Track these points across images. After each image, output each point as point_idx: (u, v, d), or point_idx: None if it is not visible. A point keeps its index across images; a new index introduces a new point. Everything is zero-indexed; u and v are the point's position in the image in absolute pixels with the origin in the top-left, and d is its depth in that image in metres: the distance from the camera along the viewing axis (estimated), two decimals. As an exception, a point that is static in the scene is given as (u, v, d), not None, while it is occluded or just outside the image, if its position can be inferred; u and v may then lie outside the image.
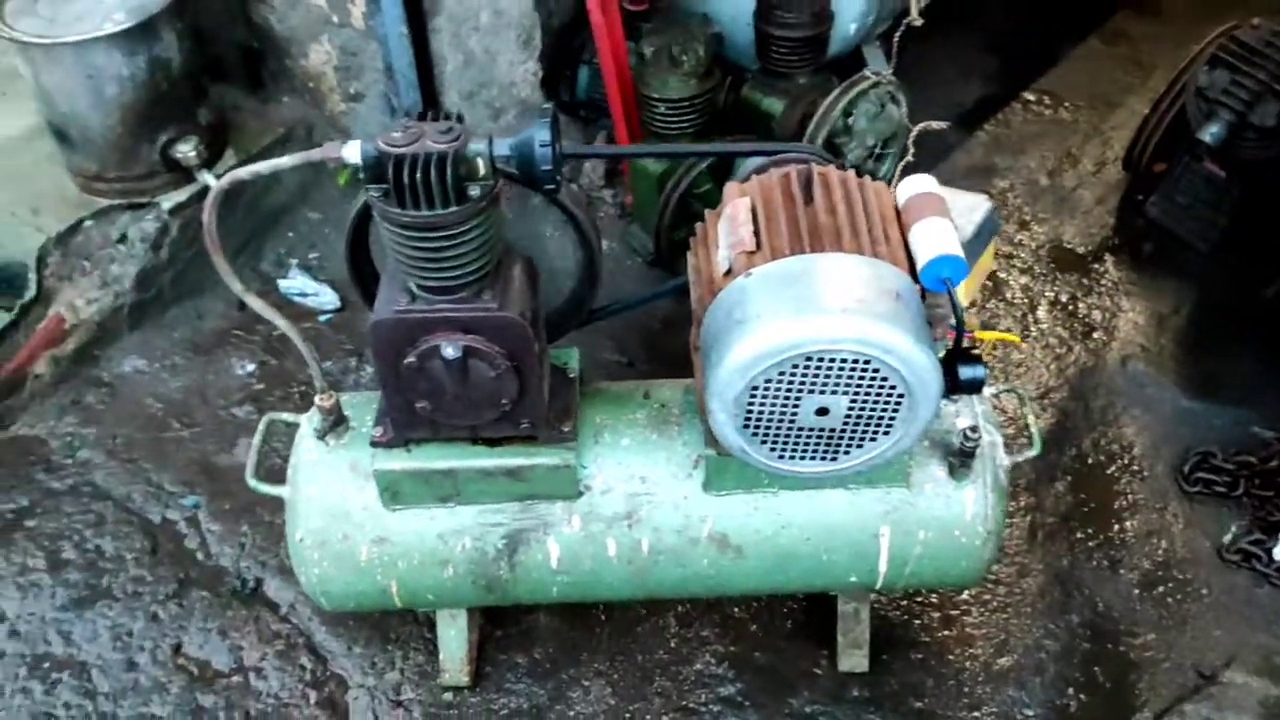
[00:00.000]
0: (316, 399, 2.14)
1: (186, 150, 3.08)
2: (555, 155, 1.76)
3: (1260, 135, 3.05)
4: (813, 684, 2.50)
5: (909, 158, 3.35)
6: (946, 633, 2.59)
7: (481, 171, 1.76)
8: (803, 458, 1.88)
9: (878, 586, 2.31)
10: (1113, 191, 3.79)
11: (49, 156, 3.22)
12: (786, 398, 1.76)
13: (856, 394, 1.76)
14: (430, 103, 3.27)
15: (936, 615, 2.62)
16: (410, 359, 1.91)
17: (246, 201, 3.38)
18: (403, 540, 2.17)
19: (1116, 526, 2.80)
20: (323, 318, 3.33)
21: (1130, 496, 2.86)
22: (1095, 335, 3.29)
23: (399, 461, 2.09)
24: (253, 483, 2.18)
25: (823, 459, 1.88)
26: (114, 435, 2.94)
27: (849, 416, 1.80)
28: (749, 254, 1.81)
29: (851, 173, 1.97)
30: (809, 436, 1.84)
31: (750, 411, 1.78)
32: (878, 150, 3.46)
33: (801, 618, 2.60)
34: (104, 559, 2.66)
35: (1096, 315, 3.35)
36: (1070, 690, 2.50)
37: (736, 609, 2.62)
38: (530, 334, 1.92)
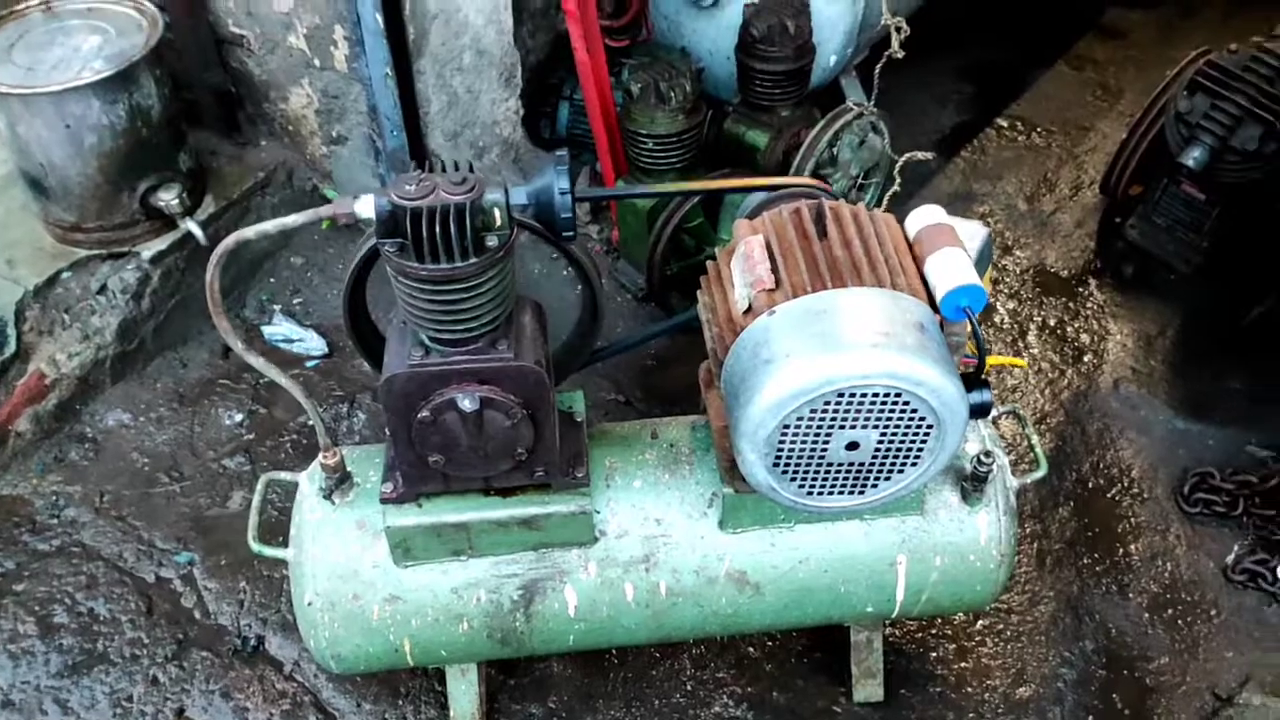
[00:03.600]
0: (321, 457, 2.08)
1: (169, 198, 3.02)
2: (574, 202, 1.73)
3: (1242, 159, 3.09)
4: (832, 723, 2.47)
5: (896, 188, 3.36)
6: (963, 664, 2.57)
7: (498, 221, 1.72)
8: (831, 493, 1.85)
9: (894, 615, 2.29)
10: (1091, 215, 3.83)
11: (22, 207, 3.14)
12: (817, 434, 1.74)
13: (887, 427, 1.74)
14: (416, 143, 3.24)
15: (952, 647, 2.60)
16: (424, 413, 1.86)
17: (228, 248, 3.32)
18: (416, 597, 2.11)
19: (1121, 550, 2.81)
20: (310, 364, 3.26)
21: (1133, 519, 2.87)
22: (1086, 359, 3.31)
23: (411, 517, 2.04)
24: (255, 546, 2.11)
25: (851, 493, 1.86)
26: (101, 492, 2.85)
27: (879, 450, 1.78)
28: (769, 291, 1.79)
29: (861, 206, 1.96)
30: (838, 471, 1.81)
31: (781, 450, 1.76)
32: (861, 180, 3.48)
33: (817, 655, 2.57)
34: (98, 622, 2.58)
35: (1085, 338, 3.38)
36: (1090, 719, 2.48)
37: (751, 648, 2.59)
38: (547, 381, 1.89)
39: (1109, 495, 2.93)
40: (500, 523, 2.06)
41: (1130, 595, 2.72)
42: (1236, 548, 2.79)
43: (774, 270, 1.82)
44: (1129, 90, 4.40)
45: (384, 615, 2.11)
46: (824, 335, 1.70)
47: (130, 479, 2.90)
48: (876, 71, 3.35)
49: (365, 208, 1.70)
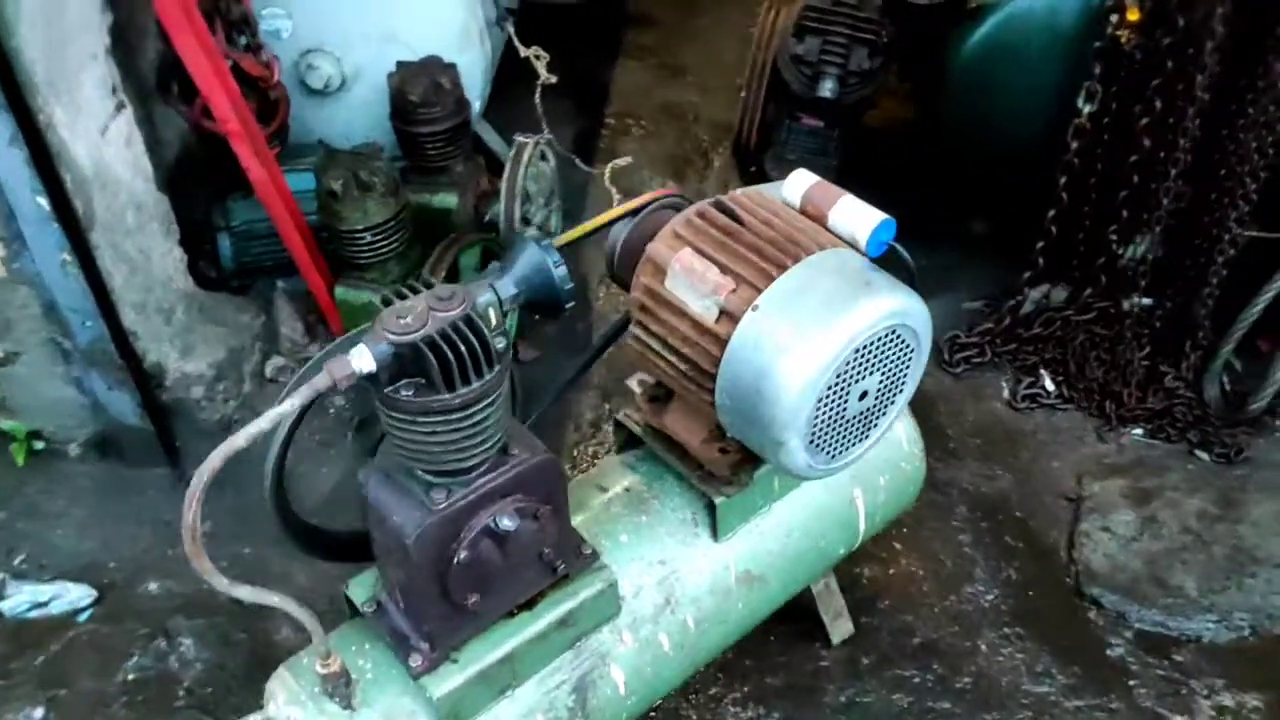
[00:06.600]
0: (318, 667, 1.78)
1: None
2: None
3: (860, 78, 3.58)
4: (830, 675, 2.58)
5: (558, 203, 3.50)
6: (891, 572, 2.80)
7: (494, 321, 1.61)
8: (850, 448, 1.94)
9: (856, 546, 2.44)
10: (732, 175, 4.21)
11: None
12: (839, 398, 1.82)
13: (885, 366, 1.86)
14: (113, 329, 2.79)
15: (876, 565, 2.81)
16: (461, 555, 1.69)
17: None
18: (480, 758, 1.90)
19: (931, 423, 3.18)
20: (82, 617, 2.73)
21: (923, 394, 3.25)
22: (806, 287, 3.66)
23: (456, 676, 1.82)
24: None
25: (862, 441, 1.96)
26: None
27: (880, 389, 1.90)
28: (733, 292, 1.84)
29: (746, 189, 2.05)
30: (854, 425, 1.91)
31: (815, 426, 1.82)
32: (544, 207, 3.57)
33: (781, 629, 2.63)
34: None
35: (792, 272, 3.73)
36: (1002, 563, 2.82)
37: (724, 655, 2.60)
38: (560, 467, 1.79)
39: (898, 386, 3.30)
40: (541, 635, 1.91)
41: (962, 456, 3.10)
42: (1005, 384, 3.29)
43: (725, 271, 1.87)
44: (687, 64, 4.87)
45: (454, 798, 1.88)
46: (819, 307, 1.78)
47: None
48: (537, 100, 3.44)
49: (364, 362, 1.50)
